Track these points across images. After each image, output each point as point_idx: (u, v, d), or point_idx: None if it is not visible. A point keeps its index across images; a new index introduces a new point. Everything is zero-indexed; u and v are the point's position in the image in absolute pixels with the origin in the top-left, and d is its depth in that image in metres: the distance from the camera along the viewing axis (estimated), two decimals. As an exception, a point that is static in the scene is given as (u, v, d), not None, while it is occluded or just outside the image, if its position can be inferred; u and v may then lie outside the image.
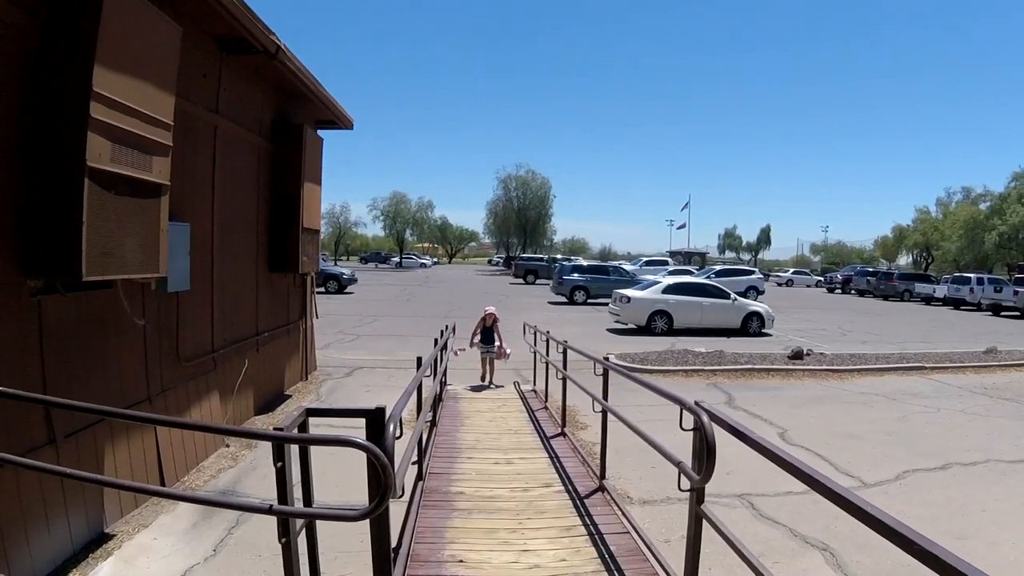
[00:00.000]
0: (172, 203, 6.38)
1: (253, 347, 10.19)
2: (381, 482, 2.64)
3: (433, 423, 8.75)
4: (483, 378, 13.20)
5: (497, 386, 12.89)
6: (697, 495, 3.79)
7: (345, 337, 19.88)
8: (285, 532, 3.06)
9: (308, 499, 3.41)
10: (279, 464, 2.99)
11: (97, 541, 5.81)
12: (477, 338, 13.35)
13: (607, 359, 6.97)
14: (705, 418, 3.60)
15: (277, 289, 11.52)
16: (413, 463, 6.48)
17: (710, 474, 3.57)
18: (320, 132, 12.74)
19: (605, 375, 6.97)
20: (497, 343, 13.29)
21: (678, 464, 4.05)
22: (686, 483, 3.84)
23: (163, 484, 6.93)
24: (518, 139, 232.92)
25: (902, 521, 2.14)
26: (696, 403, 3.76)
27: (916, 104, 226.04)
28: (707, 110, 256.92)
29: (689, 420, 3.79)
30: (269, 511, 2.82)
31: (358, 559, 5.02)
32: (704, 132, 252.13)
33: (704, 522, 3.69)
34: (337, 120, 13.24)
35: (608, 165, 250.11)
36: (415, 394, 5.73)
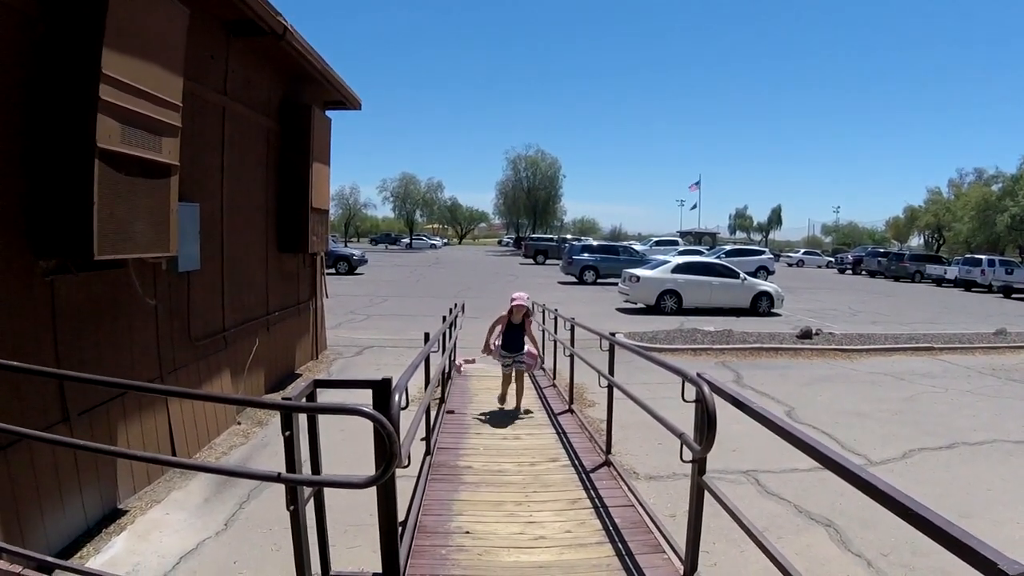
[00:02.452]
0: (182, 184, 6.43)
1: (264, 326, 10.27)
2: (387, 450, 2.70)
3: (442, 400, 8.82)
4: (502, 399, 8.89)
5: (527, 413, 8.69)
6: (699, 466, 3.85)
7: (356, 317, 19.98)
8: (293, 500, 3.12)
9: (316, 468, 3.48)
10: (287, 433, 3.05)
11: (111, 517, 5.92)
12: (497, 340, 8.90)
13: (613, 335, 7.03)
14: (706, 389, 3.65)
15: (287, 269, 11.59)
16: (421, 439, 6.57)
17: (711, 444, 3.63)
18: (328, 113, 12.79)
19: (611, 351, 7.02)
20: (528, 348, 9.00)
21: (680, 435, 4.11)
22: (688, 455, 3.90)
23: (175, 464, 7.04)
24: (527, 119, 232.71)
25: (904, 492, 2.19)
26: (698, 374, 3.81)
27: (929, 84, 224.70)
28: (717, 90, 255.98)
29: (691, 392, 3.85)
30: (277, 479, 2.88)
31: (367, 532, 5.09)
32: (714, 112, 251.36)
33: (713, 497, 3.74)
34: (345, 101, 13.26)
35: (618, 146, 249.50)
36: (422, 367, 5.79)
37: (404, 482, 5.10)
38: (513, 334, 8.84)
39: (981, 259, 40.18)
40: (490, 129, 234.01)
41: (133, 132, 5.43)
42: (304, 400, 3.19)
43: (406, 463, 3.56)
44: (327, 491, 3.83)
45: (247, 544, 5.66)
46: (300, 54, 9.73)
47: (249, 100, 9.52)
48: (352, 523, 5.56)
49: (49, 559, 3.70)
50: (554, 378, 10.98)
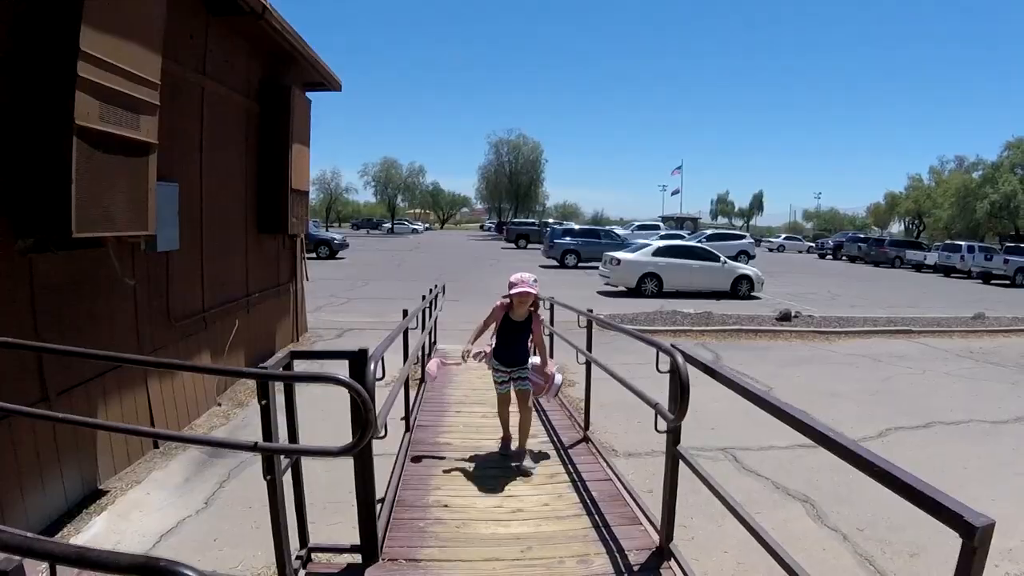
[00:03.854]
0: (160, 163, 6.39)
1: (243, 308, 10.24)
2: (362, 418, 2.72)
3: (422, 380, 8.83)
4: (506, 436, 6.24)
5: (535, 458, 6.05)
6: (673, 436, 3.92)
7: (336, 300, 19.93)
8: (270, 470, 3.14)
9: (293, 438, 3.50)
10: (263, 402, 3.07)
11: (91, 497, 5.91)
12: (490, 340, 6.19)
13: (591, 311, 7.08)
14: (679, 358, 3.71)
15: (266, 251, 11.54)
16: (401, 418, 6.61)
17: (684, 413, 3.68)
18: (308, 94, 12.70)
19: (589, 327, 7.05)
20: (534, 359, 6.24)
21: (654, 405, 4.18)
22: (663, 424, 3.96)
23: (156, 444, 7.03)
24: (510, 105, 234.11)
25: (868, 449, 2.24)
26: (672, 345, 3.87)
27: (911, 74, 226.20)
28: (701, 77, 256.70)
29: (665, 363, 3.90)
30: (254, 448, 2.89)
31: (347, 510, 5.10)
32: (698, 99, 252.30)
33: (687, 466, 3.80)
34: (325, 82, 13.19)
35: (601, 132, 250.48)
36: (400, 339, 5.79)
37: (384, 460, 5.16)
38: (512, 336, 5.96)
39: (961, 245, 40.49)
40: (472, 114, 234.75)
41: (111, 110, 5.40)
42: (280, 370, 3.21)
43: (382, 434, 3.59)
44: (306, 468, 3.87)
45: (227, 522, 5.68)
46: (279, 34, 9.68)
47: (228, 80, 9.46)
48: (332, 500, 5.60)
49: (30, 535, 3.70)
50: (534, 358, 11.00)
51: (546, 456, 6.22)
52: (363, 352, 3.38)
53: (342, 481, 5.02)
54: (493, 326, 6.05)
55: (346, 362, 3.48)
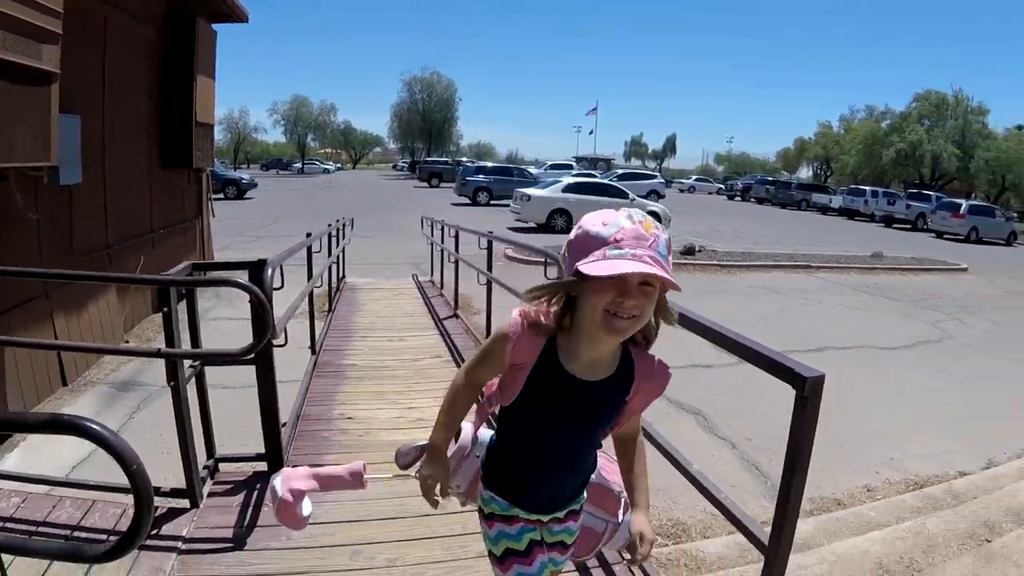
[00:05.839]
0: (63, 95, 6.26)
1: (148, 243, 10.09)
2: (261, 319, 2.87)
3: (330, 310, 8.96)
4: None
5: None
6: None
7: (245, 238, 19.62)
8: (173, 376, 3.27)
9: (196, 343, 3.62)
10: (164, 309, 3.19)
11: (1, 436, 5.91)
12: (495, 399, 1.82)
13: (490, 232, 7.32)
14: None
15: (171, 186, 11.33)
16: (308, 347, 6.76)
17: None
18: (215, 26, 12.43)
19: (489, 247, 7.35)
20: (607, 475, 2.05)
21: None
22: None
23: (64, 382, 6.99)
24: (424, 44, 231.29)
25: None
26: (557, 251, 4.12)
27: (827, 23, 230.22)
28: (617, 20, 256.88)
29: (553, 272, 4.14)
30: (157, 354, 3.02)
31: (254, 432, 5.24)
32: (613, 42, 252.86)
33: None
34: (231, 13, 12.83)
35: (517, 73, 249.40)
36: (304, 258, 5.87)
37: (291, 386, 5.33)
38: (563, 422, 1.74)
39: (865, 190, 42.09)
40: (386, 51, 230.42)
41: (12, 38, 5.32)
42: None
43: (281, 340, 3.74)
44: (215, 396, 4.01)
45: (138, 448, 5.65)
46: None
47: (132, 9, 9.19)
48: (241, 424, 5.67)
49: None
50: (441, 288, 11.12)
51: None
52: (262, 261, 3.53)
53: (252, 407, 5.16)
54: (490, 394, 1.94)
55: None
